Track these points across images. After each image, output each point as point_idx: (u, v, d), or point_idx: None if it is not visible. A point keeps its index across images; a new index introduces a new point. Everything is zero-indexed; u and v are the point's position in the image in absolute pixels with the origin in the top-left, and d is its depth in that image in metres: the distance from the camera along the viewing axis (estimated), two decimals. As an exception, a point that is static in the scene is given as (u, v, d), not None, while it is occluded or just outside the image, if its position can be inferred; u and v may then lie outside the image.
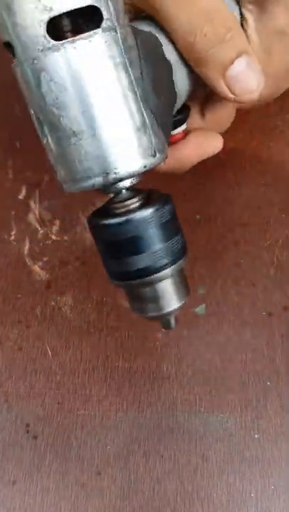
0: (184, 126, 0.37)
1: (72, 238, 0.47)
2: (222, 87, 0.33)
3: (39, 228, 0.48)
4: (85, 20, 0.27)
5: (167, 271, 0.31)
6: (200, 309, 0.44)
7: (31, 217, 0.48)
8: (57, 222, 0.48)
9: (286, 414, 0.41)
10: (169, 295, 0.32)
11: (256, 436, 0.40)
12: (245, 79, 0.33)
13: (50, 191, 0.49)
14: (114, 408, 0.41)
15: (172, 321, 0.34)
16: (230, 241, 0.47)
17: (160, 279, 0.31)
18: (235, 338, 0.43)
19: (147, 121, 0.28)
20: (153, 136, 0.28)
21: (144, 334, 0.43)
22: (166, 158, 0.31)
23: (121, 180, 0.28)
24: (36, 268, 0.46)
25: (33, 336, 0.44)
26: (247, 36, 0.36)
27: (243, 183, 0.50)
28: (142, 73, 0.28)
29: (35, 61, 0.26)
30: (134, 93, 0.27)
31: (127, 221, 0.30)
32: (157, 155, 0.29)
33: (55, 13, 0.25)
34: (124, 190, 0.30)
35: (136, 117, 0.27)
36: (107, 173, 0.27)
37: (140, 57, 0.28)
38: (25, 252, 0.47)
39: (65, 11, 0.25)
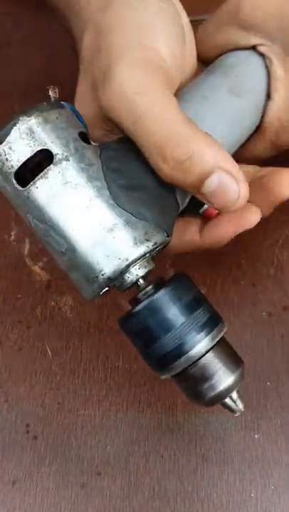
0: None
1: (72, 238, 0.47)
2: (204, 201, 0.33)
3: (39, 228, 0.48)
4: (46, 159, 0.31)
5: (202, 344, 0.31)
6: (200, 309, 0.44)
7: (31, 218, 0.48)
8: (57, 222, 0.48)
9: (286, 415, 0.41)
10: (218, 370, 0.32)
11: (256, 436, 0.40)
12: (222, 194, 0.32)
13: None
14: (114, 408, 0.41)
15: (236, 402, 0.33)
16: (231, 241, 0.47)
17: (199, 355, 0.31)
18: (235, 338, 0.43)
19: (119, 220, 0.31)
20: (131, 230, 0.31)
21: (144, 334, 0.43)
22: (168, 238, 0.33)
23: (112, 278, 0.31)
24: (36, 268, 0.46)
25: (33, 336, 0.44)
26: (276, 87, 0.37)
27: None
28: (106, 181, 0.31)
29: (22, 207, 0.32)
30: (100, 201, 0.31)
31: (140, 308, 0.31)
32: (141, 245, 0.31)
33: (15, 168, 0.30)
34: (140, 282, 0.32)
35: (105, 221, 0.30)
36: (97, 277, 0.31)
37: (103, 169, 0.31)
38: (26, 252, 0.47)
39: (21, 163, 0.30)
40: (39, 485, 0.39)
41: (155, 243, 0.31)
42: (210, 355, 0.32)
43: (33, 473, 0.39)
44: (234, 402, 0.33)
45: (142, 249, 0.31)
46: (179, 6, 0.36)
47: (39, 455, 0.40)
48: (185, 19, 0.37)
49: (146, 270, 0.32)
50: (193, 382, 0.32)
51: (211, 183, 0.31)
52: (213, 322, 0.32)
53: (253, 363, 0.42)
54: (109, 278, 0.31)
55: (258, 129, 0.39)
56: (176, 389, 0.41)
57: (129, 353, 0.43)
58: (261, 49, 0.38)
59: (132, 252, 0.30)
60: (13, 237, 0.48)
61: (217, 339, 0.32)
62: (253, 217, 0.36)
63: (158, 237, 0.31)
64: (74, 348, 0.43)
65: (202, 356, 0.31)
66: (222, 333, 0.33)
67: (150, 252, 0.31)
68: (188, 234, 0.37)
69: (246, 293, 0.45)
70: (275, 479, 0.39)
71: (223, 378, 0.32)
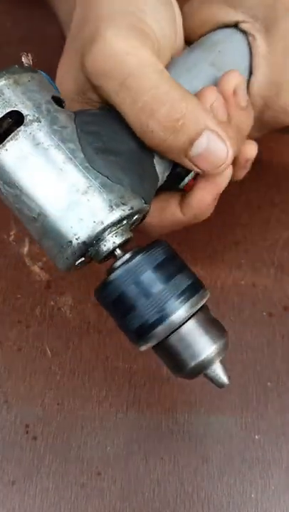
0: (190, 176, 0.36)
1: (72, 238, 0.47)
2: (190, 166, 0.32)
3: (39, 228, 0.48)
4: (15, 123, 0.30)
5: (181, 310, 0.30)
6: (200, 310, 0.44)
7: (31, 217, 0.48)
8: (57, 222, 0.48)
9: (286, 415, 0.41)
10: (200, 338, 0.30)
11: (256, 437, 0.40)
12: (211, 155, 0.31)
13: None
14: (114, 409, 0.41)
15: (220, 374, 0.31)
16: (231, 241, 0.47)
17: (178, 322, 0.30)
18: (236, 338, 0.43)
19: (94, 182, 0.30)
20: (106, 193, 0.30)
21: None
22: (146, 206, 0.31)
23: (86, 243, 0.30)
24: (36, 268, 0.46)
25: (33, 336, 0.44)
26: (258, 63, 0.36)
27: (243, 183, 0.49)
28: (80, 144, 0.30)
29: None
30: (73, 163, 0.30)
31: (116, 275, 0.30)
32: (116, 208, 0.30)
33: None
34: (116, 251, 0.31)
35: (79, 184, 0.29)
36: (71, 242, 0.29)
37: (77, 131, 0.30)
38: (25, 252, 0.47)
39: None
40: (39, 485, 0.39)
41: (132, 208, 0.30)
42: (190, 322, 0.30)
43: (33, 474, 0.39)
44: (217, 374, 0.31)
45: (118, 213, 0.29)
46: None
47: (39, 455, 0.40)
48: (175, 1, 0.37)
49: (124, 239, 0.31)
50: (173, 351, 0.30)
51: (201, 144, 0.31)
52: (193, 288, 0.30)
53: (254, 363, 0.42)
54: (84, 243, 0.29)
55: None
56: (176, 389, 0.41)
57: (129, 353, 0.43)
58: (244, 26, 0.38)
59: (107, 216, 0.29)
60: (12, 237, 0.48)
61: (198, 306, 0.30)
62: (227, 173, 0.35)
63: (135, 203, 0.30)
64: (73, 348, 0.43)
65: (182, 323, 0.30)
66: (204, 300, 0.31)
67: (127, 217, 0.30)
68: (169, 210, 0.37)
69: (246, 293, 0.45)
70: (276, 480, 0.39)
71: (205, 347, 0.30)
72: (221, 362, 0.31)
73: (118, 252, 0.31)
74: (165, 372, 0.42)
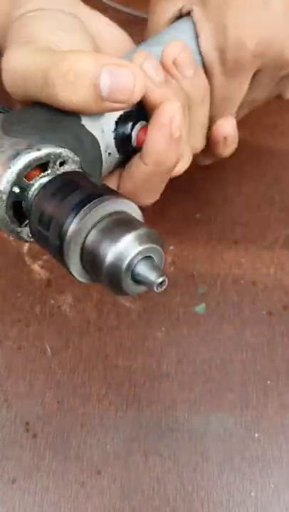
0: (135, 129, 0.35)
1: (72, 237, 0.47)
2: (113, 108, 0.32)
3: (39, 227, 0.48)
4: None
5: (73, 225, 0.28)
6: (200, 308, 0.44)
7: (31, 216, 0.48)
8: (57, 221, 0.48)
9: (286, 414, 0.41)
10: (104, 241, 0.28)
11: (256, 435, 0.40)
12: (118, 86, 0.31)
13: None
14: (113, 407, 0.41)
15: (144, 270, 0.28)
16: (231, 240, 0.47)
17: (82, 237, 0.28)
18: (236, 337, 0.43)
19: (6, 143, 0.30)
20: (14, 146, 0.30)
21: (144, 333, 0.43)
22: (61, 150, 0.31)
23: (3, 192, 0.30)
24: (36, 267, 0.46)
25: (33, 334, 0.44)
26: (200, 27, 0.37)
27: (243, 182, 0.50)
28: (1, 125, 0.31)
29: None
30: None
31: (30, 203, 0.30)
32: (22, 155, 0.30)
33: None
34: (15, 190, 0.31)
35: None
36: None
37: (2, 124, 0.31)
38: (25, 250, 0.47)
39: None
40: (39, 483, 0.39)
41: (38, 150, 0.30)
42: (93, 232, 0.28)
43: (33, 472, 0.39)
44: (140, 271, 0.28)
45: (25, 157, 0.30)
46: (86, 17, 0.38)
47: (39, 454, 0.40)
48: (95, 27, 0.38)
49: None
50: (90, 266, 0.29)
51: (105, 81, 0.31)
52: (84, 201, 0.29)
53: (253, 362, 0.42)
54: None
55: None
56: (176, 387, 0.42)
57: (129, 351, 0.43)
58: (185, 9, 0.39)
59: (15, 162, 0.29)
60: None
61: (93, 215, 0.29)
62: (165, 109, 0.34)
63: (44, 147, 0.30)
64: (73, 347, 0.43)
65: (85, 236, 0.28)
66: (99, 209, 0.29)
67: (38, 160, 0.30)
68: (134, 165, 0.36)
69: (246, 292, 0.45)
70: (275, 478, 0.39)
71: (110, 246, 0.28)
72: (146, 259, 0.28)
73: (16, 189, 0.30)
74: (165, 371, 0.42)
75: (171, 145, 0.34)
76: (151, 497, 0.38)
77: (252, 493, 0.38)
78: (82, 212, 0.29)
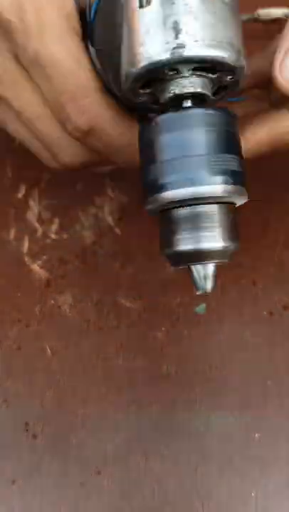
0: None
1: (71, 237, 0.47)
2: None
3: (38, 227, 0.48)
4: None
5: (215, 187, 0.26)
6: (200, 309, 0.44)
7: (30, 216, 0.48)
8: (56, 220, 0.48)
9: (286, 414, 0.41)
10: (210, 227, 0.26)
11: (256, 435, 0.40)
12: None
13: (49, 190, 0.49)
14: (113, 407, 0.41)
15: (205, 277, 0.27)
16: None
17: (201, 198, 0.26)
18: (236, 337, 0.43)
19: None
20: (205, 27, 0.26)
21: (144, 333, 0.43)
22: (242, 63, 0.28)
23: (165, 64, 0.26)
24: (35, 267, 0.46)
25: (33, 335, 0.44)
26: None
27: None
28: None
29: None
30: None
31: (164, 117, 0.27)
32: (213, 46, 0.26)
33: None
34: (184, 102, 0.28)
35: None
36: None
37: None
38: (25, 250, 0.47)
39: None
40: (38, 484, 0.39)
41: (231, 50, 0.27)
42: (215, 206, 0.27)
43: (33, 473, 0.39)
44: (202, 275, 0.28)
45: (213, 51, 0.26)
46: None
47: (38, 454, 0.40)
48: None
49: (200, 90, 0.27)
50: (177, 225, 0.27)
51: None
52: (237, 175, 0.27)
53: (254, 362, 0.42)
54: (165, 61, 0.26)
55: None
56: (176, 388, 0.41)
57: (129, 351, 0.43)
58: None
59: (197, 48, 0.26)
60: (12, 236, 0.48)
61: (230, 197, 0.27)
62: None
63: (230, 53, 0.27)
64: (73, 347, 0.43)
65: (203, 203, 0.26)
66: (239, 198, 0.28)
67: (217, 63, 0.27)
68: None
69: (247, 292, 0.45)
70: (275, 479, 0.39)
71: (209, 239, 0.27)
72: (215, 267, 0.28)
73: (186, 103, 0.28)
74: (165, 371, 0.42)
75: None
76: (151, 497, 0.38)
77: (252, 494, 0.38)
78: (234, 186, 0.27)
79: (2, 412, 0.41)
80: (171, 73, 0.27)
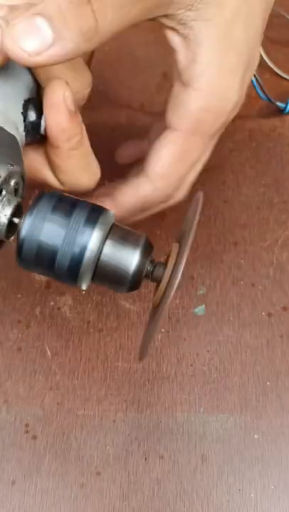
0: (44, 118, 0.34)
1: (71, 239, 0.47)
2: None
3: (39, 229, 0.48)
4: None
5: (94, 239, 0.29)
6: (200, 310, 0.44)
7: (31, 218, 0.48)
8: (56, 222, 0.48)
9: (286, 415, 0.41)
10: (123, 255, 0.30)
11: (256, 436, 0.40)
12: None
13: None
14: (113, 408, 0.41)
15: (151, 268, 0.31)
16: (230, 241, 0.47)
17: (97, 250, 0.30)
18: (235, 338, 0.43)
19: None
20: None
21: (144, 334, 0.44)
22: (14, 167, 0.31)
23: None
24: (36, 268, 0.46)
25: (33, 336, 0.44)
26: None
27: (242, 183, 0.50)
28: None
29: None
30: None
31: (21, 246, 0.30)
32: None
33: None
34: (15, 221, 0.31)
35: None
36: None
37: None
38: (25, 252, 0.47)
39: None
40: (38, 485, 0.39)
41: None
42: (107, 245, 0.30)
43: (33, 473, 0.39)
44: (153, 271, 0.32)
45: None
46: None
47: (38, 455, 0.40)
48: None
49: (13, 206, 0.30)
50: (110, 276, 0.31)
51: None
52: (93, 216, 0.30)
53: (253, 363, 0.42)
54: None
55: None
56: (175, 389, 0.42)
57: (129, 352, 0.43)
58: None
59: None
60: (12, 237, 0.48)
61: (105, 228, 0.30)
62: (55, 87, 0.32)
63: (1, 170, 0.30)
64: (73, 348, 0.43)
65: (100, 251, 0.30)
66: (108, 221, 0.31)
67: (1, 186, 0.30)
68: (37, 156, 0.35)
69: (246, 293, 0.45)
70: (275, 479, 0.39)
71: (131, 256, 0.30)
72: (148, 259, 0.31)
73: (16, 220, 0.31)
74: (165, 372, 0.42)
75: (72, 121, 0.33)
76: (151, 498, 0.38)
77: (252, 495, 0.38)
78: (99, 224, 0.30)
79: (2, 413, 0.41)
80: None
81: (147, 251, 0.31)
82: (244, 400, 0.41)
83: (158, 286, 0.32)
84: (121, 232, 0.31)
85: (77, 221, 0.30)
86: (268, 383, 0.42)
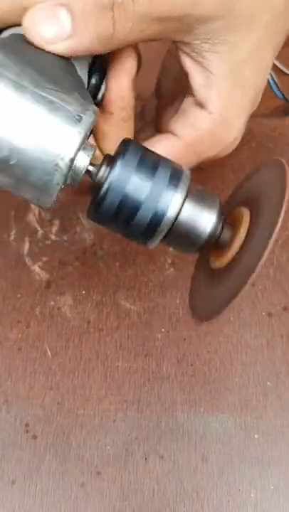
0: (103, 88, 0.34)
1: (71, 238, 0.47)
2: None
3: (39, 228, 0.48)
4: None
5: (175, 201, 0.30)
6: (200, 309, 0.44)
7: (31, 217, 0.48)
8: (56, 222, 0.48)
9: (286, 415, 0.41)
10: (200, 215, 0.30)
11: (256, 436, 0.40)
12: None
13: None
14: (113, 408, 0.41)
15: (223, 230, 0.31)
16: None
17: (176, 212, 0.30)
18: (235, 338, 0.43)
19: (51, 98, 0.28)
20: (67, 105, 0.28)
21: (144, 334, 0.43)
22: (96, 111, 0.30)
23: (72, 160, 0.28)
24: (36, 268, 0.46)
25: (33, 336, 0.44)
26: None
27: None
28: (19, 67, 0.28)
29: None
30: (23, 87, 0.28)
31: (104, 193, 0.29)
32: (83, 116, 0.28)
33: None
34: (90, 168, 0.30)
35: (39, 105, 0.28)
36: (57, 164, 0.28)
37: (8, 58, 0.28)
38: (25, 252, 0.47)
39: None
40: (38, 485, 0.39)
41: (93, 112, 0.29)
42: (186, 206, 0.30)
43: (33, 473, 0.39)
44: (223, 234, 0.32)
45: (88, 118, 0.28)
46: None
47: (39, 455, 0.40)
48: None
49: (92, 152, 0.30)
50: (183, 236, 0.31)
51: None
52: (176, 175, 0.30)
53: (253, 363, 0.42)
54: (71, 160, 0.28)
55: None
56: (176, 389, 0.42)
57: (129, 352, 0.43)
58: None
59: (80, 125, 0.28)
60: (12, 237, 0.48)
61: (186, 189, 0.31)
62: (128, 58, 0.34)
63: (91, 107, 0.29)
64: (73, 348, 0.43)
65: (180, 211, 0.30)
66: (188, 181, 0.31)
67: (87, 133, 0.29)
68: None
69: (246, 293, 0.45)
70: (275, 479, 0.39)
71: (208, 219, 0.31)
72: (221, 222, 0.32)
73: (91, 168, 0.30)
74: (165, 372, 0.42)
75: (131, 92, 0.34)
76: (151, 498, 0.38)
77: (252, 494, 0.38)
78: (180, 186, 0.30)
79: (2, 412, 0.41)
80: None
81: (222, 213, 0.32)
82: (244, 400, 0.41)
83: (219, 248, 0.32)
84: (198, 193, 0.31)
85: (162, 178, 0.30)
86: (268, 383, 0.42)
